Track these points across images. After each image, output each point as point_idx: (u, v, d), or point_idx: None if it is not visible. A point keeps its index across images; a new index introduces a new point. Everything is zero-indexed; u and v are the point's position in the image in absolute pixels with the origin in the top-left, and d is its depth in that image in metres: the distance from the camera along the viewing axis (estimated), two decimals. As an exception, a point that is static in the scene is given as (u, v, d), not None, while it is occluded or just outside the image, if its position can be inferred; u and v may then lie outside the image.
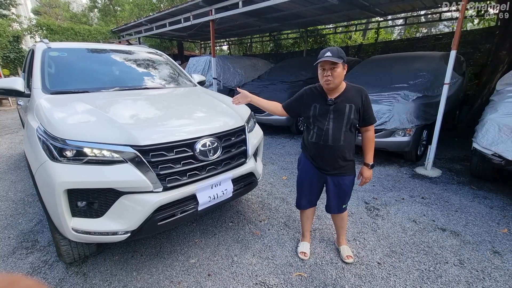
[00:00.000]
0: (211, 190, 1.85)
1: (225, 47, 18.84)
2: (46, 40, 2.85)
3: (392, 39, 9.67)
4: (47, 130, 1.64)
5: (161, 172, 1.63)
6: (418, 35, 12.48)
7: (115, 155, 1.56)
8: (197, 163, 1.77)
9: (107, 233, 1.59)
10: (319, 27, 10.67)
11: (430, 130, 4.02)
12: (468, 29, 9.54)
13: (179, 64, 8.82)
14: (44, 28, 11.70)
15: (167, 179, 1.66)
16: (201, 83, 3.39)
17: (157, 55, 3.54)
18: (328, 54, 1.62)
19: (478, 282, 1.87)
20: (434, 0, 6.56)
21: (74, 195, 1.54)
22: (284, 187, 3.37)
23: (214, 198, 1.86)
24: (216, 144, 1.86)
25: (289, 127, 5.66)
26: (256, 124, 2.56)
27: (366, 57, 7.81)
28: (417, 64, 4.58)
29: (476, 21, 8.43)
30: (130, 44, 11.17)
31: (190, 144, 1.75)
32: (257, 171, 2.27)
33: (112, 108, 1.99)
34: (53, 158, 1.54)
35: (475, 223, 2.56)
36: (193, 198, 1.78)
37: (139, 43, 11.20)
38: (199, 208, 1.80)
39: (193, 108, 2.28)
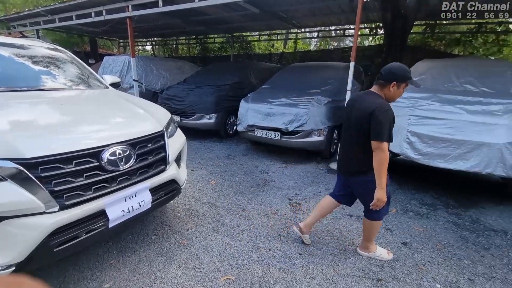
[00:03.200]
0: (125, 203, 1.68)
1: (149, 47, 17.59)
2: None
3: (309, 50, 10.83)
4: None
5: (57, 189, 1.38)
6: (330, 47, 14.28)
7: (-12, 172, 1.25)
8: (105, 174, 1.58)
9: (-22, 272, 1.26)
10: (244, 33, 11.06)
11: (339, 130, 4.62)
12: (366, 45, 11.43)
13: (93, 63, 7.74)
14: None
15: (65, 196, 1.42)
16: (115, 85, 3.06)
17: (58, 51, 3.03)
18: None
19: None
20: (339, 19, 7.62)
21: None
22: (213, 191, 3.33)
23: (129, 212, 1.69)
24: (128, 152, 1.69)
25: (218, 131, 5.65)
26: (178, 129, 2.45)
27: (287, 65, 8.50)
28: (328, 72, 5.22)
29: (370, 38, 10.20)
30: (24, 37, 9.27)
31: (95, 153, 1.54)
32: (180, 178, 2.17)
33: (-13, 114, 1.60)
34: None
35: (374, 207, 3.05)
36: (102, 214, 1.57)
37: (38, 37, 9.39)
38: (111, 225, 1.61)
39: (101, 113, 2.03)
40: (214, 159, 4.49)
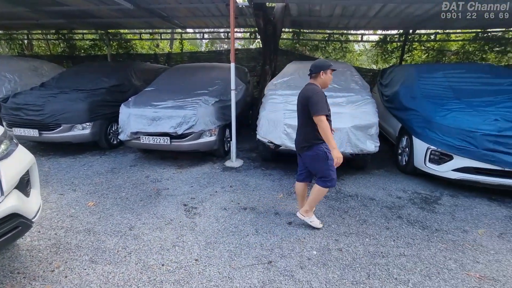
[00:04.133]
0: None
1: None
2: None
3: (197, 51, 10.75)
4: None
5: None
6: (221, 49, 14.68)
7: None
8: None
9: None
10: (121, 30, 9.90)
11: (231, 128, 4.79)
12: (253, 47, 12.34)
13: None
14: None
15: None
16: None
17: None
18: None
19: (264, 240, 2.42)
20: (221, 22, 7.90)
21: None
22: (91, 215, 2.81)
23: None
24: None
25: (97, 142, 4.83)
26: (20, 147, 1.91)
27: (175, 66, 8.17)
28: (214, 73, 5.32)
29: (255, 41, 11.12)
30: None
31: None
32: (29, 210, 1.70)
33: None
34: None
35: (265, 196, 3.33)
36: None
37: None
38: None
39: None
40: (93, 176, 3.81)
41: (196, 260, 2.17)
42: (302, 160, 2.60)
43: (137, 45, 10.37)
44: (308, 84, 2.45)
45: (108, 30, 9.21)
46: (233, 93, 4.12)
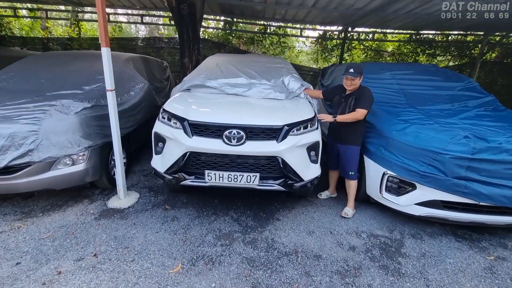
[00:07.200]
0: None
1: None
2: None
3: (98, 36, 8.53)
4: None
5: None
6: (152, 36, 12.43)
7: None
8: None
9: None
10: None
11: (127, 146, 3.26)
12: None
13: None
14: None
15: None
16: None
17: None
18: (351, 70, 2.58)
19: None
20: (142, 2, 6.16)
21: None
22: None
23: None
24: None
25: None
26: None
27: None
28: (98, 65, 3.66)
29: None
30: None
31: None
32: None
33: None
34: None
35: (149, 271, 1.96)
36: None
37: None
38: None
39: None
40: None
41: None
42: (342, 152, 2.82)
43: (10, 24, 7.64)
44: None
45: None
46: (110, 95, 2.62)
